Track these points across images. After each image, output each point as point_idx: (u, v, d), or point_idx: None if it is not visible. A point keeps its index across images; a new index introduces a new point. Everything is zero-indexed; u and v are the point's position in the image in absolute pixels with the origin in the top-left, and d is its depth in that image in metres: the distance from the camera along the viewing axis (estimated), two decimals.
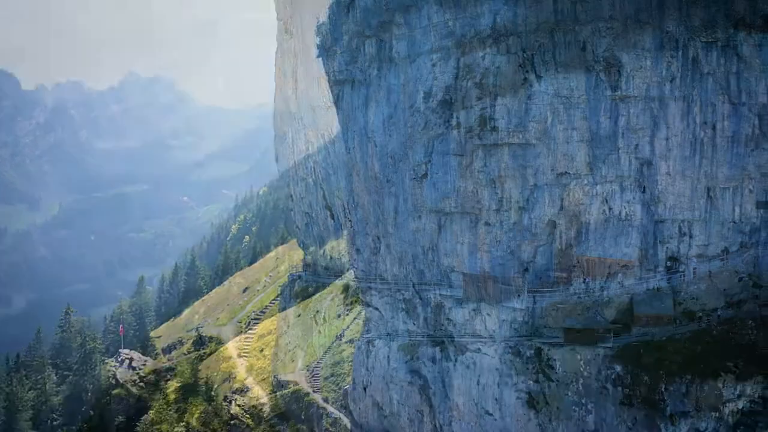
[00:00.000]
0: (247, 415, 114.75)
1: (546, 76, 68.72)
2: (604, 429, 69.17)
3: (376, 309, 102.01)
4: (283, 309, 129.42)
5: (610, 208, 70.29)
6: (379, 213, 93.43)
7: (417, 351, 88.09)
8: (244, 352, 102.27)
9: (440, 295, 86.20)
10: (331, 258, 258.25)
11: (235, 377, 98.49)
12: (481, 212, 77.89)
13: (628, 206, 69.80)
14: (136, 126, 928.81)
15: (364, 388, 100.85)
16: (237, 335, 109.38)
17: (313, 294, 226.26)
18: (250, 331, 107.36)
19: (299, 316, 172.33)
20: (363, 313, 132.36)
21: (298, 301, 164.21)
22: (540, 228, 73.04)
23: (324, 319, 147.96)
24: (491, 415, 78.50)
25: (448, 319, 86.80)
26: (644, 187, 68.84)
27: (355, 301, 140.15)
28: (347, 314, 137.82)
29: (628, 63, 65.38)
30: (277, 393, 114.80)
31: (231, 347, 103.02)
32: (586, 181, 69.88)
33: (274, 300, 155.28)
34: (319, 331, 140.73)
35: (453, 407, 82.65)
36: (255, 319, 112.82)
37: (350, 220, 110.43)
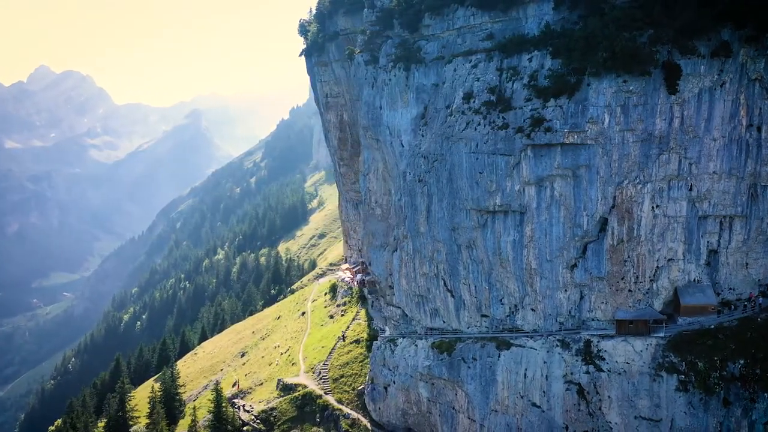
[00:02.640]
0: (258, 421, 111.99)
1: (604, 79, 71.61)
2: (657, 414, 72.95)
3: (398, 308, 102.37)
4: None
5: (657, 205, 74.16)
6: (407, 212, 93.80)
7: (454, 347, 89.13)
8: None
9: (477, 291, 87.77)
10: (290, 259, 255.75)
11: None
12: (527, 210, 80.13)
13: (674, 203, 73.95)
14: (49, 124, 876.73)
15: (386, 388, 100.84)
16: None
17: (276, 296, 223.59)
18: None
19: (279, 318, 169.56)
20: (362, 313, 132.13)
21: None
22: (591, 225, 76.02)
23: (314, 320, 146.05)
24: (538, 407, 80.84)
25: (484, 315, 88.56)
26: (691, 185, 73.14)
27: (350, 302, 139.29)
28: (342, 315, 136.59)
29: (685, 67, 69.40)
30: (287, 396, 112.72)
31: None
32: (637, 180, 73.41)
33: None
34: (311, 333, 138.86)
35: (495, 401, 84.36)
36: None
37: (366, 221, 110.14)
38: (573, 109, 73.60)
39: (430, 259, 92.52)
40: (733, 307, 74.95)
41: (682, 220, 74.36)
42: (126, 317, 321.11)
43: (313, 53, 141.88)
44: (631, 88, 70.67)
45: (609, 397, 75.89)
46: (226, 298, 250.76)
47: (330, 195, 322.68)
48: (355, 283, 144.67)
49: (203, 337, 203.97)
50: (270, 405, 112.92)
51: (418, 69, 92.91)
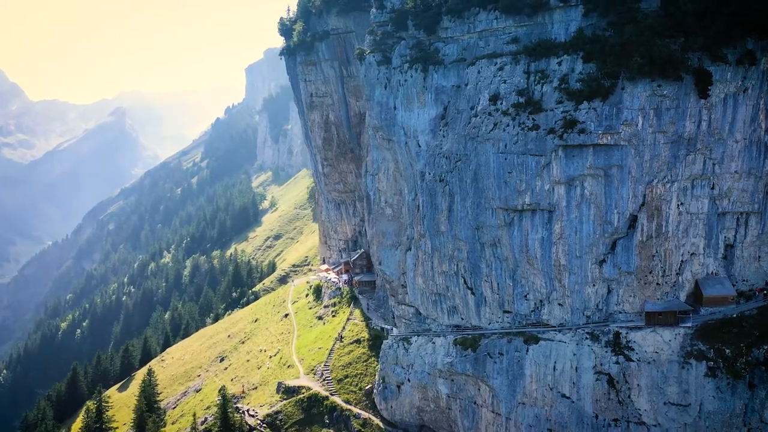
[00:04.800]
0: (264, 425, 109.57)
1: (639, 83, 75.50)
2: (686, 399, 77.52)
3: (411, 306, 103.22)
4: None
5: (681, 203, 78.92)
6: (426, 212, 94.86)
7: (478, 343, 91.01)
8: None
9: (500, 287, 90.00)
10: (248, 261, 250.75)
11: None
12: (557, 208, 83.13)
13: (697, 201, 78.99)
14: None
15: (398, 386, 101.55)
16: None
17: (239, 299, 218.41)
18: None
19: (256, 321, 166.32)
20: (356, 313, 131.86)
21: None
22: (622, 222, 79.84)
23: (300, 322, 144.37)
24: (568, 397, 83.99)
25: (506, 311, 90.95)
26: (713, 184, 78.33)
27: (339, 302, 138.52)
28: (333, 316, 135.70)
29: (714, 74, 74.24)
30: (291, 399, 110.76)
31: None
32: (666, 179, 77.84)
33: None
34: (301, 335, 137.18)
35: (523, 394, 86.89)
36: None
37: (375, 221, 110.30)
38: (608, 112, 77.11)
39: (450, 258, 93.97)
40: (755, 294, 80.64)
41: (704, 216, 79.51)
42: (64, 325, 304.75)
43: (299, 52, 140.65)
44: (664, 92, 74.88)
45: (638, 385, 79.93)
46: (180, 302, 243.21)
47: (281, 196, 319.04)
48: (342, 283, 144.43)
49: (167, 343, 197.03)
50: (274, 408, 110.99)
51: (436, 70, 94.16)
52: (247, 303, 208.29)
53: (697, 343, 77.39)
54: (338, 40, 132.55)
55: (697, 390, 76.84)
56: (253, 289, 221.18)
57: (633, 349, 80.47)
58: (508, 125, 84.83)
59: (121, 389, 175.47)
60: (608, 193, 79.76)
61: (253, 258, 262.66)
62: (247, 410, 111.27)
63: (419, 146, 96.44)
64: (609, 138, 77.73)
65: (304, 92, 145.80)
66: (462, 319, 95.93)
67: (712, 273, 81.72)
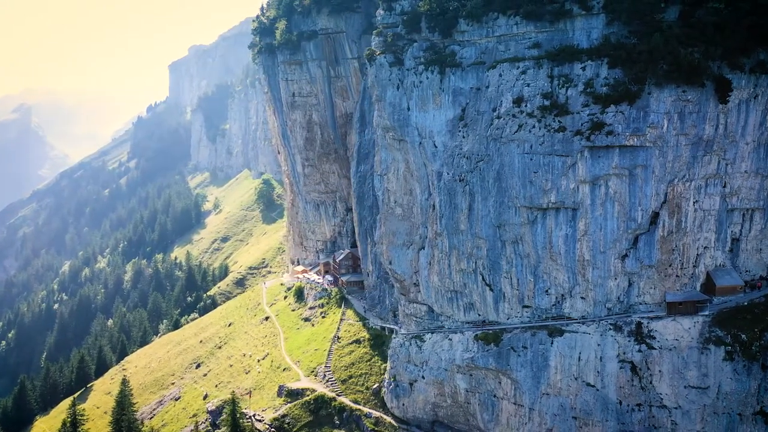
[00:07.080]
0: (272, 429, 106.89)
1: (665, 88, 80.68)
2: (705, 382, 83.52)
3: (423, 304, 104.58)
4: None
5: (696, 201, 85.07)
6: (444, 211, 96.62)
7: (500, 338, 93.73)
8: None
9: (520, 283, 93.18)
10: (200, 264, 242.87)
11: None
12: (581, 206, 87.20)
13: (710, 198, 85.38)
14: None
15: (411, 384, 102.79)
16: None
17: (195, 303, 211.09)
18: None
19: (230, 325, 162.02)
20: (348, 313, 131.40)
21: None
22: (645, 219, 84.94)
23: (285, 324, 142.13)
24: (592, 386, 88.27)
25: (526, 306, 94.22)
26: (725, 183, 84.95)
27: (327, 303, 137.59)
28: (323, 317, 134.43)
29: (732, 81, 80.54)
30: (297, 402, 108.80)
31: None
32: (685, 178, 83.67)
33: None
34: (289, 338, 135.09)
35: (547, 385, 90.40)
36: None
37: (384, 220, 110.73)
38: (635, 115, 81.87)
39: (468, 256, 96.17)
40: (764, 280, 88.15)
41: (715, 213, 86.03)
42: None
43: (283, 51, 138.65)
44: (688, 97, 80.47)
45: (660, 371, 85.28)
46: (125, 308, 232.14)
47: (224, 197, 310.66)
48: (327, 284, 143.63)
49: (123, 352, 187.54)
50: (279, 412, 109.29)
51: (454, 72, 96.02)
52: (205, 307, 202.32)
53: (715, 329, 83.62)
54: (327, 40, 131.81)
55: (716, 373, 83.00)
56: (209, 293, 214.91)
57: (654, 338, 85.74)
58: (533, 127, 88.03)
59: (78, 401, 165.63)
60: (632, 192, 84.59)
61: (200, 261, 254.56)
62: (254, 415, 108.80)
63: (435, 147, 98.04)
64: (635, 140, 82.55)
65: (285, 92, 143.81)
66: (479, 315, 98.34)
67: (720, 265, 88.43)
